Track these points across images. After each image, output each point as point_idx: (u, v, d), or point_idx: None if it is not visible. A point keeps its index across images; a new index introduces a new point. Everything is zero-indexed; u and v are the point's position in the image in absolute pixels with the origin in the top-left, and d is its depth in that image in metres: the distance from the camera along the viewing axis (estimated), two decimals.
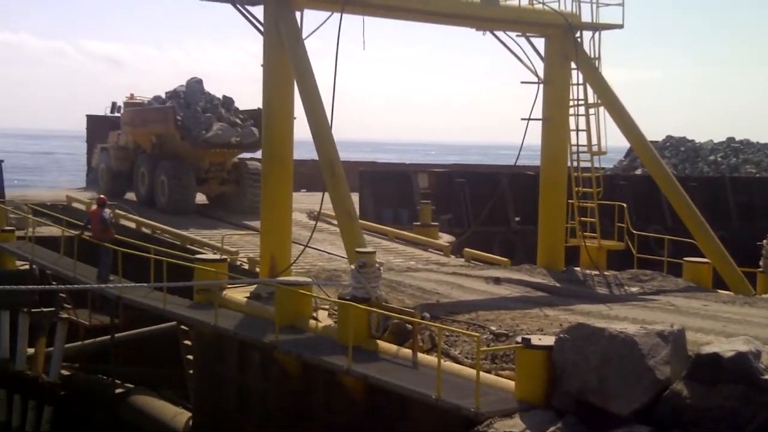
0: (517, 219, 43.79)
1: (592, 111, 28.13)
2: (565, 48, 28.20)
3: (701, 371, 14.23)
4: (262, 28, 24.35)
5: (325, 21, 24.17)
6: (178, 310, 23.64)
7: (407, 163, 68.46)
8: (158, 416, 26.47)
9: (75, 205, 37.08)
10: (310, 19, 24.39)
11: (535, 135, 28.89)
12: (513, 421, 14.94)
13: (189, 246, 30.17)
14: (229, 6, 24.48)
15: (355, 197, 26.21)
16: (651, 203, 46.03)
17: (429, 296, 22.93)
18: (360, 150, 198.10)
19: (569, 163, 28.53)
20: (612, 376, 14.57)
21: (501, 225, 43.47)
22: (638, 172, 63.78)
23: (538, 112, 28.73)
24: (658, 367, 14.47)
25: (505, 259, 30.75)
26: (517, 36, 28.41)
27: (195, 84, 40.58)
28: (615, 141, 29.10)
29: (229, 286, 24.14)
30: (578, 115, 28.27)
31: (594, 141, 28.02)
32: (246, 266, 27.64)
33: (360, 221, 24.75)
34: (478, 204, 43.01)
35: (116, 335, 28.86)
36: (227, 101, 40.59)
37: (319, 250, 30.39)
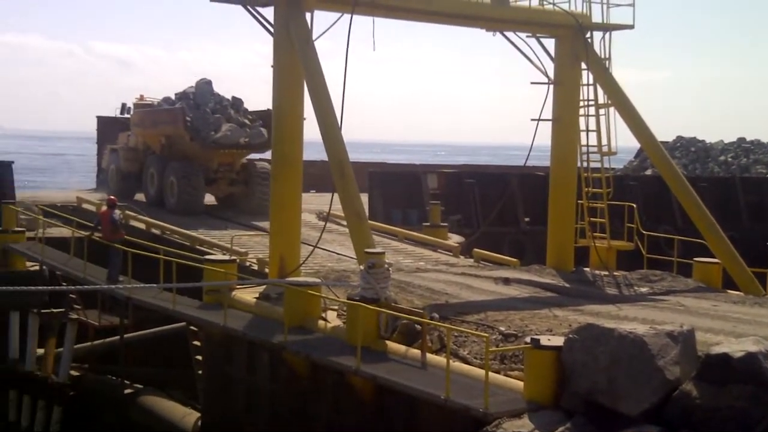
0: (526, 219, 43.74)
1: (602, 111, 28.08)
2: (575, 48, 28.15)
3: (711, 371, 14.20)
4: (272, 30, 24.35)
5: (335, 22, 24.18)
6: (188, 311, 23.67)
7: (416, 164, 68.37)
8: (167, 417, 26.48)
9: (85, 206, 37.15)
10: (320, 20, 24.43)
11: (545, 135, 28.88)
12: (522, 422, 14.92)
13: (198, 247, 30.19)
14: (239, 7, 24.50)
15: (364, 198, 26.26)
16: (661, 203, 45.93)
17: (438, 297, 22.92)
18: (369, 151, 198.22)
19: (579, 164, 28.48)
20: (621, 377, 14.55)
21: (510, 225, 43.43)
22: (648, 172, 63.64)
23: (548, 113, 28.70)
24: (667, 368, 14.44)
25: (515, 260, 30.72)
26: (528, 37, 28.37)
27: (204, 85, 40.64)
28: (625, 141, 29.07)
29: (238, 286, 24.17)
30: (588, 115, 28.22)
31: (604, 141, 27.97)
32: (255, 267, 27.66)
33: (369, 222, 24.73)
34: (488, 204, 43.00)
35: (126, 336, 28.89)
36: (236, 102, 40.64)
37: (329, 250, 30.39)
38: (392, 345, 18.97)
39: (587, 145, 28.14)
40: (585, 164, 28.31)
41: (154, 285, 24.34)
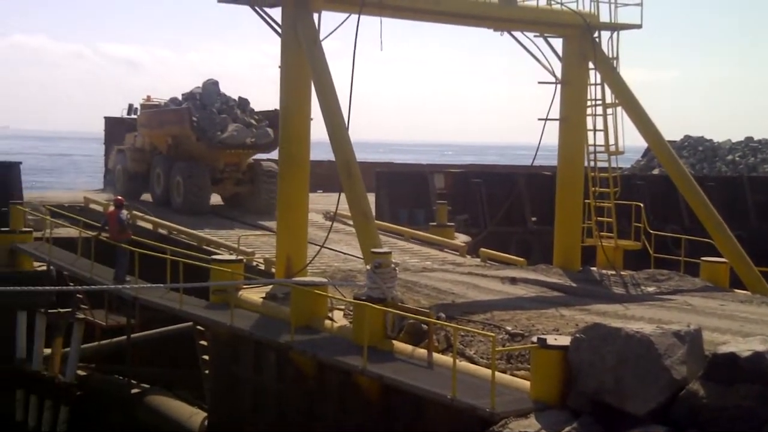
0: (533, 219, 43.72)
1: (609, 111, 28.03)
2: (583, 48, 28.11)
3: (718, 371, 14.17)
4: (279, 30, 24.37)
5: (343, 22, 24.21)
6: (194, 311, 23.68)
7: (423, 164, 68.27)
8: (174, 416, 26.51)
9: (92, 206, 37.20)
10: (327, 20, 24.46)
11: (552, 135, 28.87)
12: (528, 422, 14.92)
13: (205, 247, 30.22)
14: (247, 8, 24.52)
15: (371, 198, 26.27)
16: (668, 203, 45.88)
17: (444, 296, 22.90)
18: (376, 151, 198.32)
19: (586, 163, 28.45)
20: (628, 376, 14.53)
21: (517, 225, 43.41)
22: (655, 171, 63.54)
23: (555, 113, 28.68)
24: (674, 367, 14.41)
25: (522, 259, 30.69)
26: (535, 36, 28.34)
27: (211, 85, 40.69)
28: (632, 141, 29.01)
29: (245, 286, 24.18)
30: (596, 115, 28.18)
31: (611, 141, 27.93)
32: (262, 267, 27.67)
33: (376, 222, 24.74)
34: (495, 204, 42.97)
35: (132, 335, 28.94)
36: (242, 102, 40.69)
37: (335, 250, 30.39)
38: (399, 345, 18.97)
39: (594, 145, 28.11)
40: (592, 164, 28.28)
41: (161, 285, 24.35)
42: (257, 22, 24.53)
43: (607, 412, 14.64)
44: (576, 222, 28.72)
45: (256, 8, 24.44)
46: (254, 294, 23.83)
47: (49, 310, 29.48)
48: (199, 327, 25.45)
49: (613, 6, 28.10)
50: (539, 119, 28.54)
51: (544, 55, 28.45)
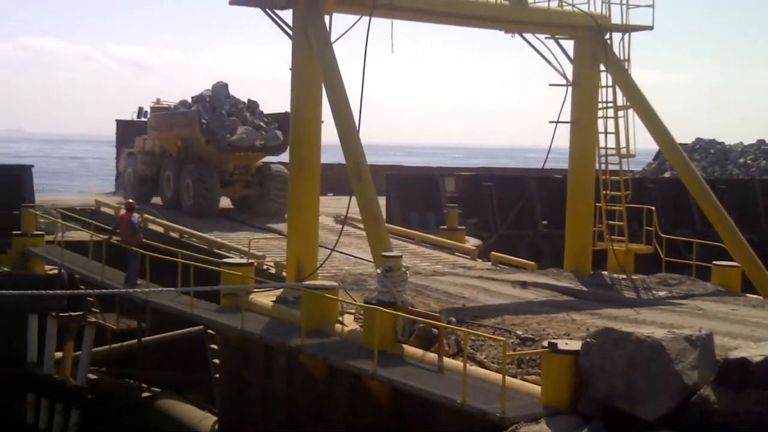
0: (544, 222, 43.60)
1: (621, 113, 27.98)
2: (594, 50, 28.06)
3: (729, 376, 14.11)
4: (290, 32, 24.37)
5: (354, 25, 24.18)
6: (205, 314, 23.69)
7: (434, 167, 68.30)
8: (184, 420, 26.53)
9: (103, 209, 37.26)
10: (338, 22, 24.45)
11: (563, 138, 28.80)
12: (539, 427, 14.87)
13: (216, 250, 30.23)
14: (258, 10, 24.52)
15: (381, 201, 26.23)
16: (680, 206, 45.69)
17: (455, 300, 22.87)
18: (387, 153, 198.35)
19: (597, 166, 28.39)
20: (639, 381, 14.46)
21: (528, 229, 43.30)
22: (667, 174, 63.32)
23: (566, 115, 28.63)
24: (685, 372, 14.35)
25: (532, 263, 30.63)
26: (546, 38, 28.31)
27: (220, 88, 40.74)
28: (644, 143, 28.94)
29: (255, 290, 24.17)
30: (607, 117, 28.13)
31: (623, 144, 27.88)
32: (273, 270, 27.66)
33: (386, 225, 24.71)
34: (505, 207, 42.87)
35: (143, 339, 28.98)
36: (252, 105, 40.71)
37: (346, 254, 30.37)
38: (409, 349, 18.93)
39: (606, 148, 28.05)
40: (603, 167, 28.22)
41: (172, 288, 24.36)
42: (268, 24, 24.56)
43: (617, 417, 14.58)
44: (587, 225, 28.65)
45: (267, 10, 24.43)
46: (265, 297, 23.82)
47: (61, 314, 29.54)
48: (209, 330, 25.45)
49: (624, 7, 28.07)
50: (550, 122, 28.53)
51: (555, 57, 28.46)
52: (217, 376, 24.78)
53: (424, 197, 43.06)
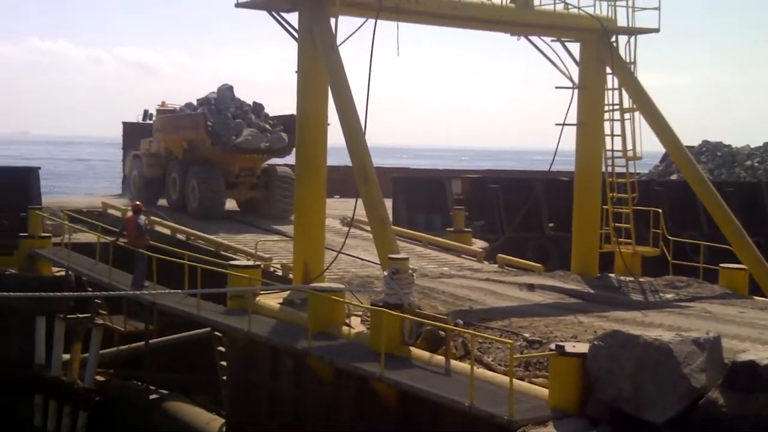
0: (551, 225, 43.57)
1: (627, 116, 27.94)
2: (600, 53, 28.05)
3: (737, 379, 14.09)
4: (296, 35, 24.40)
5: (359, 27, 24.20)
6: (212, 316, 23.71)
7: (440, 169, 68.25)
8: (192, 422, 26.54)
9: (110, 211, 37.34)
10: (344, 25, 24.47)
11: (569, 140, 28.80)
12: (546, 429, 14.86)
13: (223, 252, 30.26)
14: (264, 13, 24.57)
15: (388, 203, 26.21)
16: (687, 209, 45.59)
17: (462, 303, 22.86)
18: (393, 156, 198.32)
19: (604, 169, 28.37)
20: (647, 384, 14.46)
21: (535, 231, 43.27)
22: (674, 177, 63.22)
23: (572, 118, 28.61)
24: (693, 375, 14.33)
25: (539, 266, 30.60)
26: (552, 41, 28.31)
27: (226, 90, 40.78)
28: (650, 146, 28.92)
29: (262, 292, 24.18)
30: (613, 120, 28.09)
31: (629, 146, 27.86)
32: (279, 272, 27.68)
33: (393, 227, 24.73)
34: (512, 210, 42.88)
35: (151, 341, 28.99)
36: (257, 107, 40.76)
37: (353, 256, 30.37)
38: (416, 351, 18.93)
39: (612, 150, 28.03)
40: (610, 169, 28.19)
41: (179, 291, 24.39)
42: (274, 27, 24.63)
43: (625, 420, 14.57)
44: (594, 228, 28.63)
45: (273, 13, 24.50)
46: (272, 300, 23.83)
47: (68, 316, 29.56)
48: (216, 333, 25.48)
49: (630, 10, 28.05)
50: (556, 124, 28.54)
51: (561, 60, 28.46)
52: (224, 378, 24.81)
53: (431, 199, 43.05)
